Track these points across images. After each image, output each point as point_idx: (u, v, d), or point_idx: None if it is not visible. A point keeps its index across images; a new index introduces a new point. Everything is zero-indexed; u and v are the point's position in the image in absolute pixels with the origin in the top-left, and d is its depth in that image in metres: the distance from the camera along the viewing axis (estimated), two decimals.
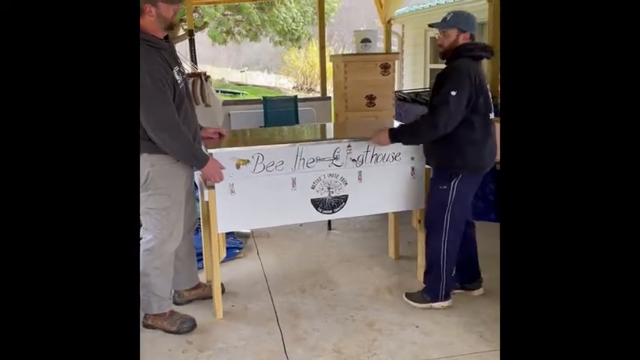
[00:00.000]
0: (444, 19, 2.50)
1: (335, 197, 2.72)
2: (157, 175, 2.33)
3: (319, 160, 2.63)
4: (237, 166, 2.51)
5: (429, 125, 2.46)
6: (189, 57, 7.66)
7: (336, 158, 2.66)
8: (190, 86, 3.03)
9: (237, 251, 3.48)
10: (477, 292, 2.82)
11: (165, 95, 2.23)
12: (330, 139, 2.89)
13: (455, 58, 2.49)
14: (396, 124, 2.78)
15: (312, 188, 2.67)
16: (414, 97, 4.62)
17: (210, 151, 2.47)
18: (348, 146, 2.68)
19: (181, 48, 10.74)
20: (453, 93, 2.37)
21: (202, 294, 2.80)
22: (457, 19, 2.47)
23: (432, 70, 6.98)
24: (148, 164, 2.30)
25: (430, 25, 2.66)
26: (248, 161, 2.52)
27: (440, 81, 2.49)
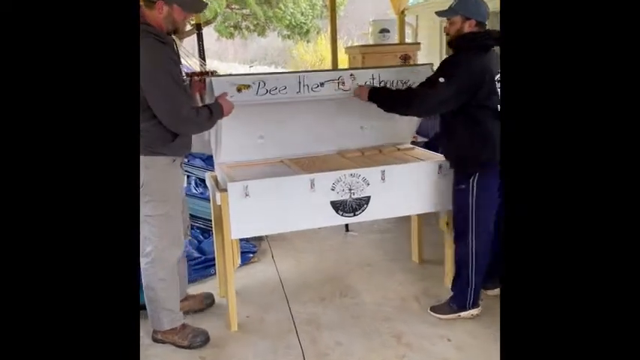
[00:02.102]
0: (450, 6, 2.41)
1: (357, 199, 2.51)
2: (152, 179, 2.15)
3: (324, 83, 2.52)
4: (239, 90, 2.39)
5: (406, 101, 2.42)
6: (197, 52, 7.49)
7: (342, 83, 2.55)
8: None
9: (251, 255, 3.29)
10: (490, 292, 2.64)
11: (182, 87, 2.14)
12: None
13: (459, 49, 2.38)
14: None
15: (332, 190, 2.47)
16: None
17: (210, 79, 2.38)
18: (351, 75, 2.59)
19: (188, 43, 10.57)
20: (442, 80, 2.28)
21: (192, 306, 2.61)
22: (461, 5, 2.36)
23: None
24: (142, 166, 2.11)
25: (437, 14, 2.56)
26: (249, 86, 2.41)
27: (439, 66, 2.41)
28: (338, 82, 2.57)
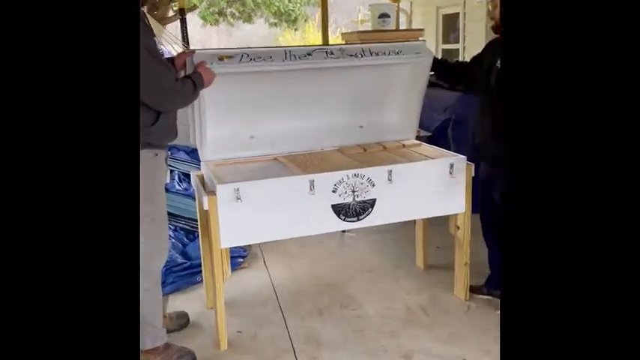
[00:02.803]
0: None
1: (361, 202, 2.25)
2: None
3: (312, 53, 2.33)
4: (221, 59, 2.17)
5: None
6: (180, 39, 7.13)
7: (331, 53, 2.38)
8: None
9: (241, 260, 3.02)
10: None
11: (159, 58, 1.94)
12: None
13: None
14: None
15: (334, 192, 2.20)
16: (433, 81, 4.13)
17: (194, 48, 2.21)
18: (340, 49, 2.42)
19: (172, 30, 10.17)
20: None
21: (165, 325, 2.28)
22: None
23: (444, 51, 6.48)
24: None
25: None
26: (232, 57, 2.21)
27: None
28: (327, 52, 2.37)
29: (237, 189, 2.05)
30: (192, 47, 6.70)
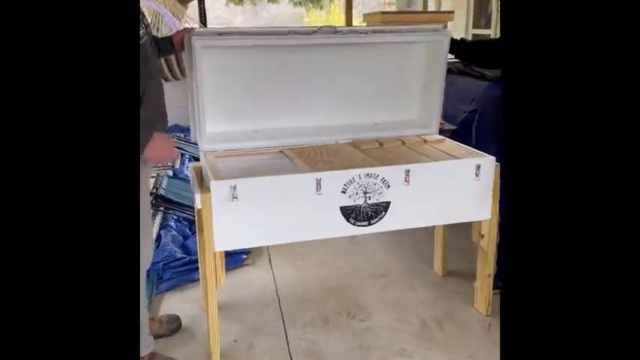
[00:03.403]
0: None
1: (373, 204, 2.01)
2: None
3: (318, 30, 2.13)
4: (220, 34, 2.03)
5: None
6: (198, 18, 6.91)
7: (340, 31, 2.19)
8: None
9: (244, 257, 2.82)
10: None
11: None
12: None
13: None
14: None
15: (343, 192, 1.96)
16: (462, 69, 3.82)
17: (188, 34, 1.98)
18: (350, 30, 2.33)
19: (191, 10, 9.95)
20: None
21: (152, 331, 2.06)
22: None
23: (474, 37, 6.12)
24: None
25: None
26: (232, 33, 2.07)
27: None
28: (335, 31, 2.18)
29: (234, 186, 1.83)
30: (212, 27, 6.49)
